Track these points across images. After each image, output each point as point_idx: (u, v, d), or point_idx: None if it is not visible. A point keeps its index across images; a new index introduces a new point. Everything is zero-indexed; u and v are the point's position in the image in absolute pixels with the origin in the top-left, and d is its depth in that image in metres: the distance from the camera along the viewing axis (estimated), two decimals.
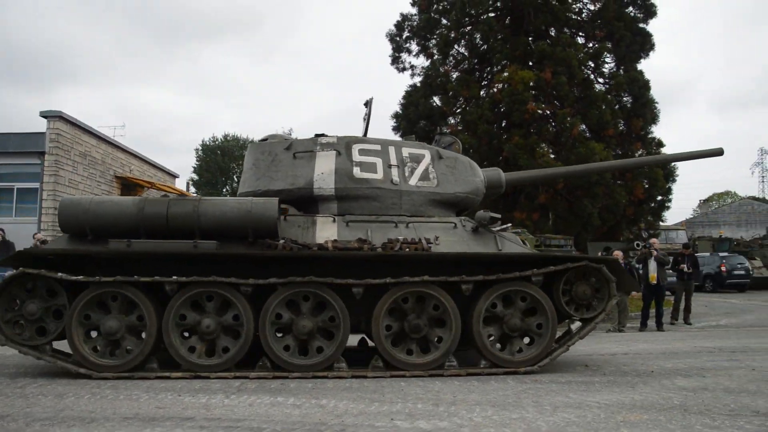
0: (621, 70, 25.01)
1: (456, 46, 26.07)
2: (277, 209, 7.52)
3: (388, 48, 29.32)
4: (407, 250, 7.51)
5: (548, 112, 24.23)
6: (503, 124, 24.56)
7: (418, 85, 26.04)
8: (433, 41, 26.03)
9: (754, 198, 59.92)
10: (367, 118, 8.99)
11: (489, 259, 7.74)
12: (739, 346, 10.26)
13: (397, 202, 8.36)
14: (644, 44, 25.22)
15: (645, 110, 24.77)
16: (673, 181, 25.69)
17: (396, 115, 26.33)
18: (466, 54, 26.11)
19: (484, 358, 7.70)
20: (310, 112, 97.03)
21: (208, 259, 7.54)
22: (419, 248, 7.54)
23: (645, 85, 25.02)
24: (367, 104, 9.20)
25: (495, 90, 24.39)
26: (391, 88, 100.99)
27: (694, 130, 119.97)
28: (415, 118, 25.38)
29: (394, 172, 8.41)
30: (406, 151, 8.58)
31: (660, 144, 25.46)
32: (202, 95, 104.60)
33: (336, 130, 8.91)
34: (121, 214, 7.44)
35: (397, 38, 26.28)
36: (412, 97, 25.87)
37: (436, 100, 25.62)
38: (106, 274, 7.51)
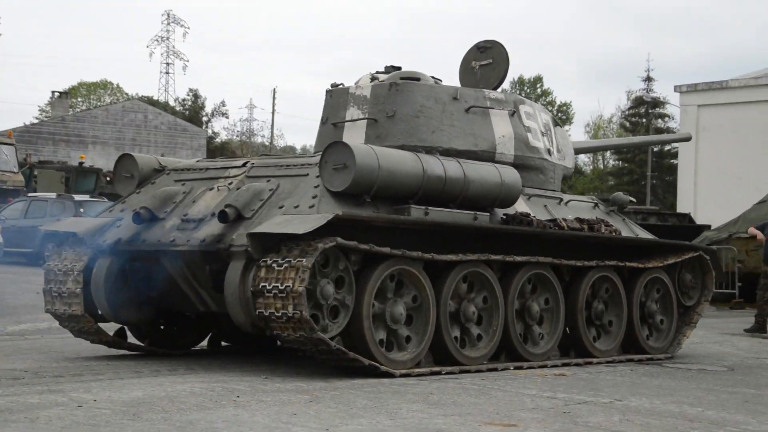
0: None
1: None
2: (520, 180, 7.29)
3: None
4: (605, 233, 7.77)
5: None
6: None
7: None
8: None
9: None
10: (503, 73, 8.33)
11: (650, 245, 8.38)
12: None
13: (552, 176, 8.34)
14: None
15: None
16: None
17: None
18: None
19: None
20: None
21: (475, 233, 6.97)
22: (614, 231, 7.89)
23: None
24: (482, 49, 8.45)
25: None
26: None
27: None
28: None
29: (546, 141, 8.28)
30: (544, 117, 8.44)
31: None
32: None
33: None
34: (411, 173, 6.58)
35: None
36: None
37: None
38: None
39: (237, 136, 57.93)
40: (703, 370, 7.44)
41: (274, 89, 52.49)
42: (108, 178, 29.25)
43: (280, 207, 6.21)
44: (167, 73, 58.68)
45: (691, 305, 8.70)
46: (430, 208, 6.61)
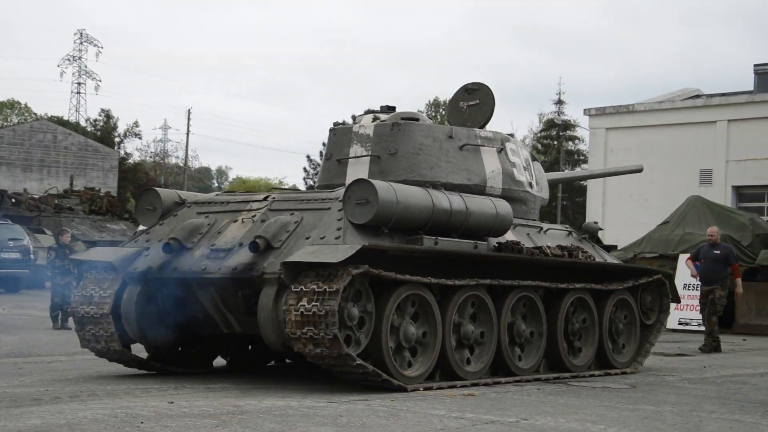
0: None
1: None
2: (511, 211, 7.91)
3: None
4: (582, 258, 8.51)
5: None
6: None
7: None
8: None
9: None
10: (489, 113, 8.99)
11: (618, 269, 9.20)
12: None
13: (533, 206, 9.02)
14: None
15: None
16: None
17: None
18: None
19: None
20: None
21: (477, 260, 7.60)
22: (588, 257, 8.65)
23: None
24: (470, 90, 9.12)
25: None
26: None
27: None
28: None
29: (527, 175, 8.94)
30: (525, 153, 9.11)
31: None
32: None
33: None
34: (422, 206, 7.18)
35: None
36: None
37: None
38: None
39: (150, 157, 57.31)
40: (607, 388, 7.62)
41: (189, 110, 51.74)
42: (13, 200, 28.68)
43: (307, 238, 6.81)
44: (78, 93, 57.49)
45: (650, 324, 9.54)
46: (438, 238, 7.25)
